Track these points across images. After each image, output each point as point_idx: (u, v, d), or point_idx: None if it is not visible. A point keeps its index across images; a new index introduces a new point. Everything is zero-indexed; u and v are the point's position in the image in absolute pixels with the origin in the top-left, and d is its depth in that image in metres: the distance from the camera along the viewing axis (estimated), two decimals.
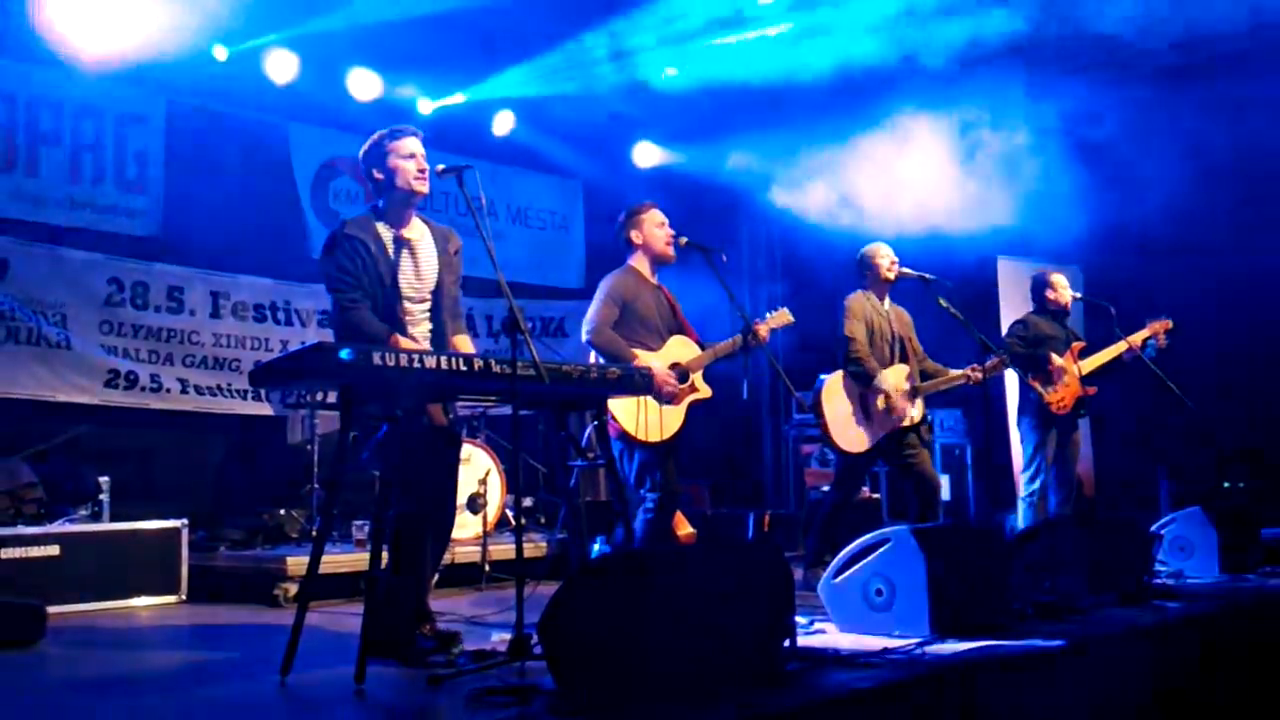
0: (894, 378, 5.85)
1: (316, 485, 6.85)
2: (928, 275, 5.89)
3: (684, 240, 5.33)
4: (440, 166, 4.06)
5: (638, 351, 5.12)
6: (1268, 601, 5.20)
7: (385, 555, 3.95)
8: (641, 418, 5.04)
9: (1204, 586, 5.51)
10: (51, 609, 4.91)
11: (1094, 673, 4.03)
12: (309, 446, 6.94)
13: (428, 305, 4.17)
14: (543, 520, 7.93)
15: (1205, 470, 8.08)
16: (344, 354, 3.36)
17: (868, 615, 4.27)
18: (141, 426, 7.19)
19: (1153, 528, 5.95)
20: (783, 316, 5.50)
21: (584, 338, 5.19)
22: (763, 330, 5.30)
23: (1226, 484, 8.13)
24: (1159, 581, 5.40)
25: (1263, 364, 8.06)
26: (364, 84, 7.94)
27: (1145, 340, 6.61)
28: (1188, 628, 4.60)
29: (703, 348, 5.35)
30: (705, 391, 5.34)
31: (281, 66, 7.47)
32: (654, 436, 5.08)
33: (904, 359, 5.98)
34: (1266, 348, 8.04)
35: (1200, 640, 4.54)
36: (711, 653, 3.24)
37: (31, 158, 6.94)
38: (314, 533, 6.58)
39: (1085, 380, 6.65)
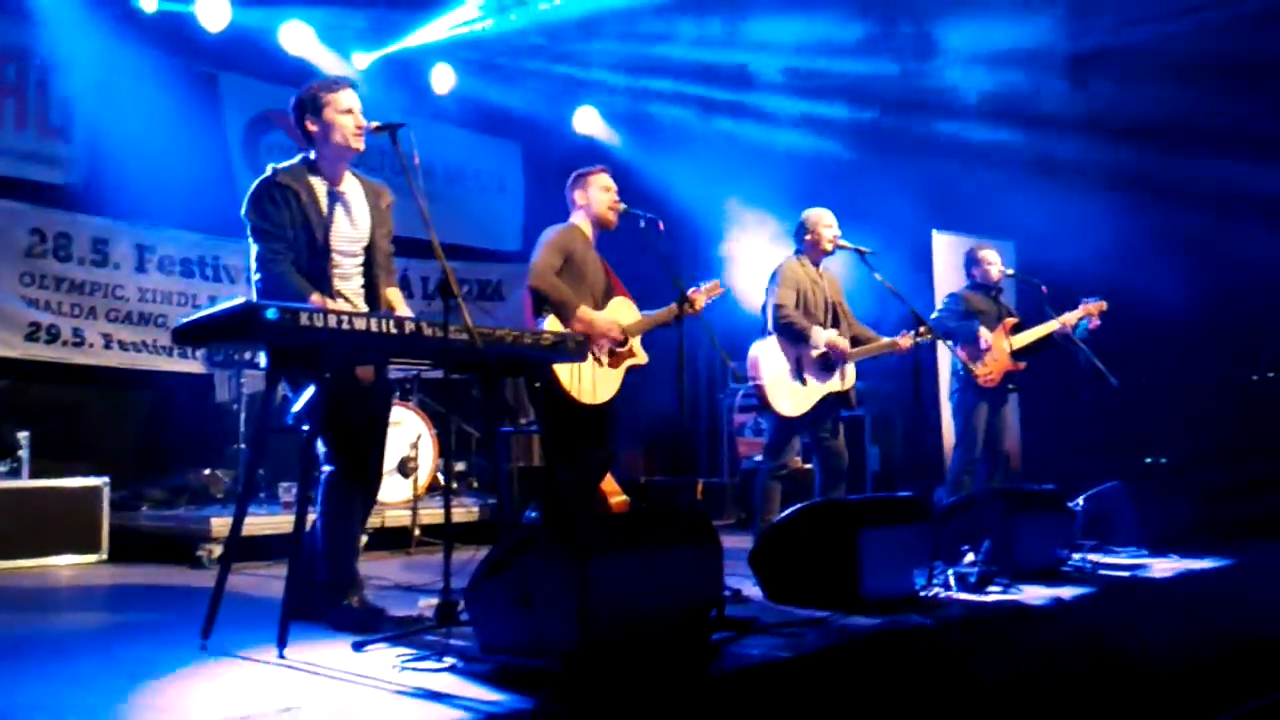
0: (830, 333, 5.86)
1: (243, 445, 6.74)
2: (864, 248, 5.90)
3: (624, 207, 5.30)
4: (374, 124, 3.96)
5: (584, 307, 5.08)
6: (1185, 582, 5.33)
7: (311, 517, 3.91)
8: (578, 380, 5.03)
9: (1122, 564, 5.63)
10: None
11: (1011, 643, 4.11)
12: (235, 406, 6.82)
13: (360, 260, 4.10)
14: (475, 484, 7.89)
15: (1130, 446, 8.22)
16: (270, 314, 3.29)
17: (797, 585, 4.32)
18: (64, 382, 7.00)
19: (1075, 502, 6.07)
20: (715, 288, 5.52)
21: (529, 282, 5.11)
22: (698, 299, 5.31)
23: (1149, 459, 8.28)
24: (1079, 558, 5.51)
25: (1190, 346, 8.21)
26: (297, 35, 7.74)
27: (1078, 320, 6.70)
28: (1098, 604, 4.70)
29: (641, 314, 5.36)
30: (642, 357, 5.37)
31: (213, 14, 7.25)
32: (588, 399, 5.07)
33: (835, 324, 6.00)
34: (1197, 330, 8.19)
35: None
36: (642, 623, 3.24)
37: None
38: (239, 493, 6.54)
39: (1015, 356, 6.74)
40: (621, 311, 5.31)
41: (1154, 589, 5.19)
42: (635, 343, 5.31)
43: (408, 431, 6.69)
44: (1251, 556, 5.88)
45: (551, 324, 4.99)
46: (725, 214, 9.04)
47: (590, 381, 5.09)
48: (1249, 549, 6.04)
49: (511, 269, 9.17)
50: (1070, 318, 6.74)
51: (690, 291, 5.29)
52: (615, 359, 5.20)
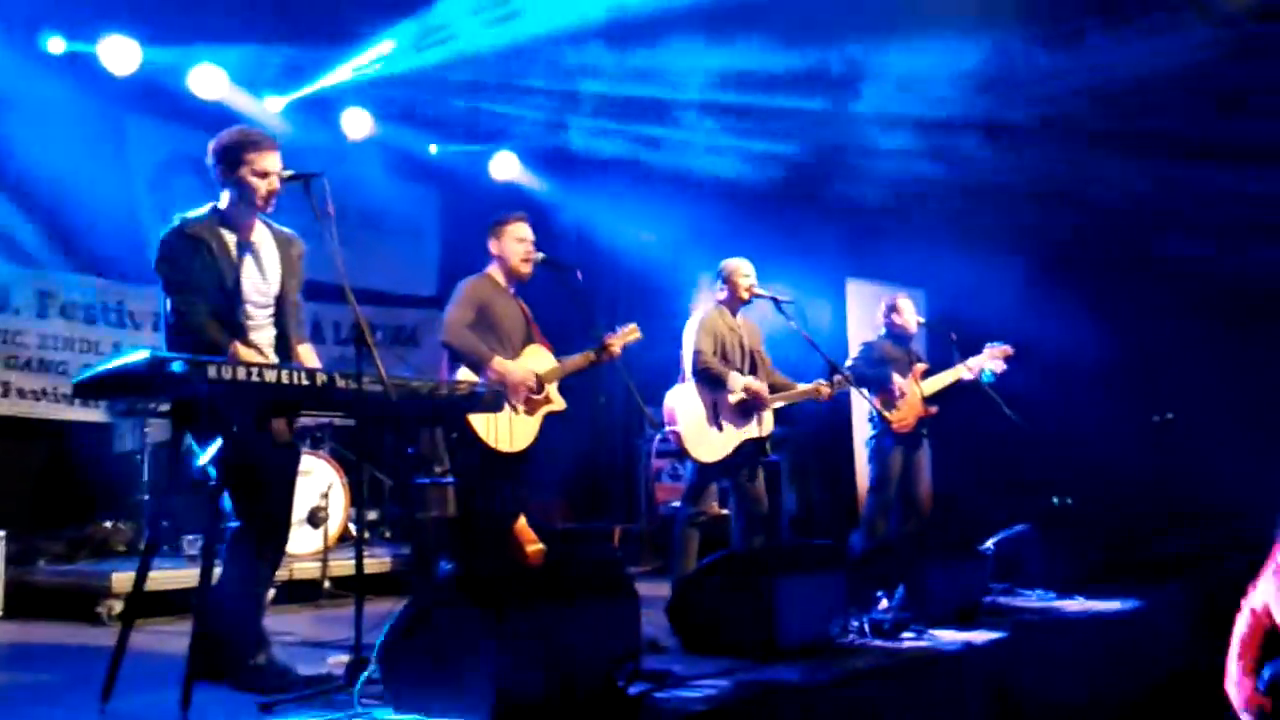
0: (742, 380, 5.89)
1: (146, 496, 6.55)
2: (781, 296, 5.98)
3: (540, 256, 5.32)
4: (287, 172, 3.91)
5: (498, 358, 5.08)
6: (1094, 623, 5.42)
7: (217, 573, 3.80)
8: (494, 428, 5.00)
9: (1031, 606, 5.71)
10: None
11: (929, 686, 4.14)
12: (138, 456, 6.62)
13: (271, 311, 4.03)
14: (388, 535, 7.76)
15: (1038, 488, 8.38)
16: (176, 366, 3.21)
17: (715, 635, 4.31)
18: None
19: (985, 544, 6.16)
20: (632, 332, 5.54)
21: (441, 338, 5.13)
22: (615, 345, 5.34)
23: (1056, 499, 8.45)
24: (990, 600, 5.59)
25: (1094, 391, 8.45)
26: (209, 78, 7.61)
27: (984, 365, 6.86)
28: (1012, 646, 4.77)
29: (558, 360, 5.35)
30: (559, 404, 5.36)
31: (121, 57, 7.11)
32: (505, 447, 5.04)
33: (753, 372, 6.05)
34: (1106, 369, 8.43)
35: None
36: (559, 679, 3.20)
37: None
38: (142, 547, 6.34)
39: (927, 401, 6.86)
40: (537, 359, 5.30)
41: (1063, 629, 5.29)
42: (552, 389, 5.30)
43: (318, 481, 6.55)
44: (1156, 597, 6.02)
45: (465, 374, 4.96)
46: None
47: (507, 429, 5.06)
48: (1153, 590, 6.18)
49: (426, 314, 9.07)
50: (975, 363, 6.90)
51: (606, 337, 5.31)
52: (532, 406, 5.18)
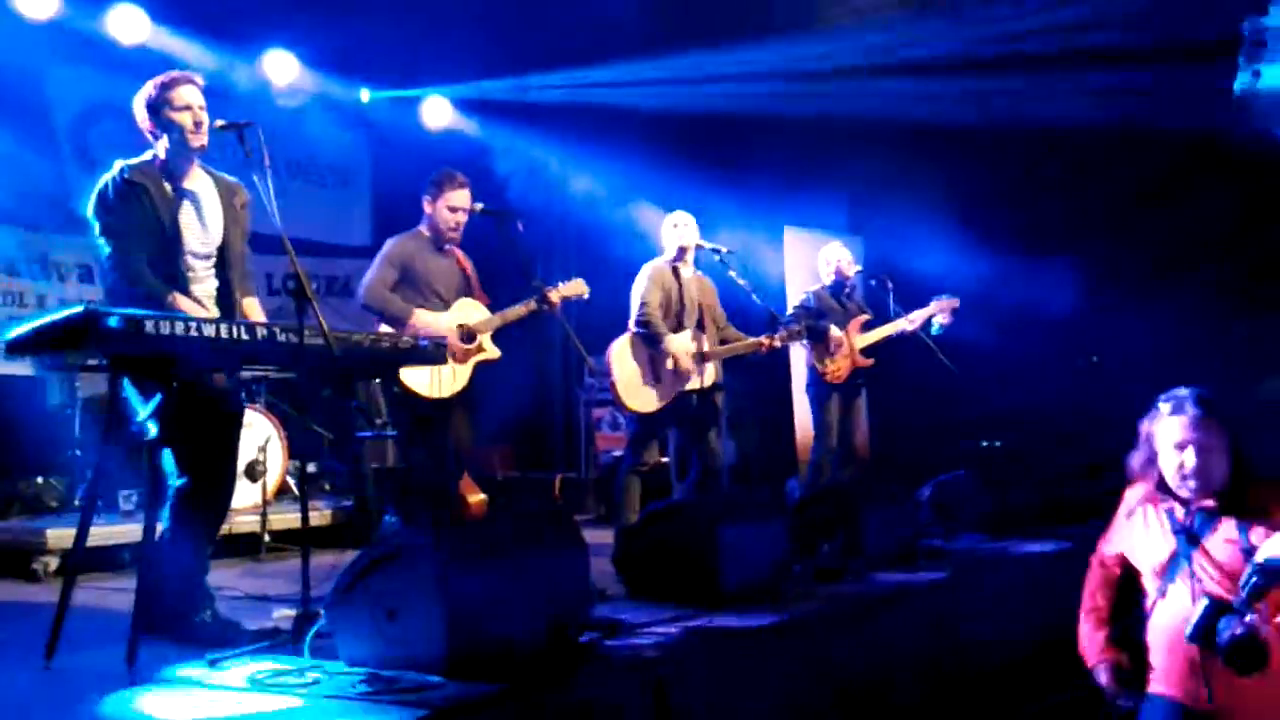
0: (680, 342, 5.94)
1: (78, 451, 6.43)
2: (721, 247, 6.02)
3: (479, 206, 5.33)
4: (219, 122, 3.85)
5: (418, 311, 5.17)
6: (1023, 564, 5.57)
7: (159, 528, 3.75)
8: (420, 376, 5.07)
9: (963, 550, 5.84)
10: None
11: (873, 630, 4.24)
12: (69, 410, 6.50)
13: (213, 261, 3.98)
14: (327, 487, 7.70)
15: (971, 433, 8.52)
16: (112, 321, 3.14)
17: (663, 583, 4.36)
18: None
19: (921, 491, 6.28)
20: (577, 286, 5.54)
21: (360, 299, 5.24)
22: (554, 296, 5.35)
23: (985, 443, 8.60)
24: (925, 543, 5.71)
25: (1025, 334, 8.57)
26: (129, 23, 7.37)
27: (928, 318, 6.91)
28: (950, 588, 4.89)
29: (493, 312, 5.38)
30: (493, 353, 5.41)
31: (38, 1, 6.85)
32: (431, 393, 5.10)
33: (701, 326, 6.08)
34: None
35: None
36: (510, 629, 3.22)
37: None
38: (77, 502, 6.24)
39: (863, 353, 6.94)
40: (468, 311, 5.37)
41: (995, 570, 5.43)
42: (485, 339, 5.36)
43: (256, 434, 6.48)
44: (1081, 538, 6.17)
45: (385, 329, 5.06)
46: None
47: (435, 377, 5.12)
48: (1079, 530, 6.34)
49: (359, 264, 8.87)
50: (919, 316, 6.94)
51: (548, 290, 5.32)
52: (464, 356, 5.21)
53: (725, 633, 3.76)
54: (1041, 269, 8.46)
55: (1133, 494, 3.22)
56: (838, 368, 6.83)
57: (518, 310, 5.39)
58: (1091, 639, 3.27)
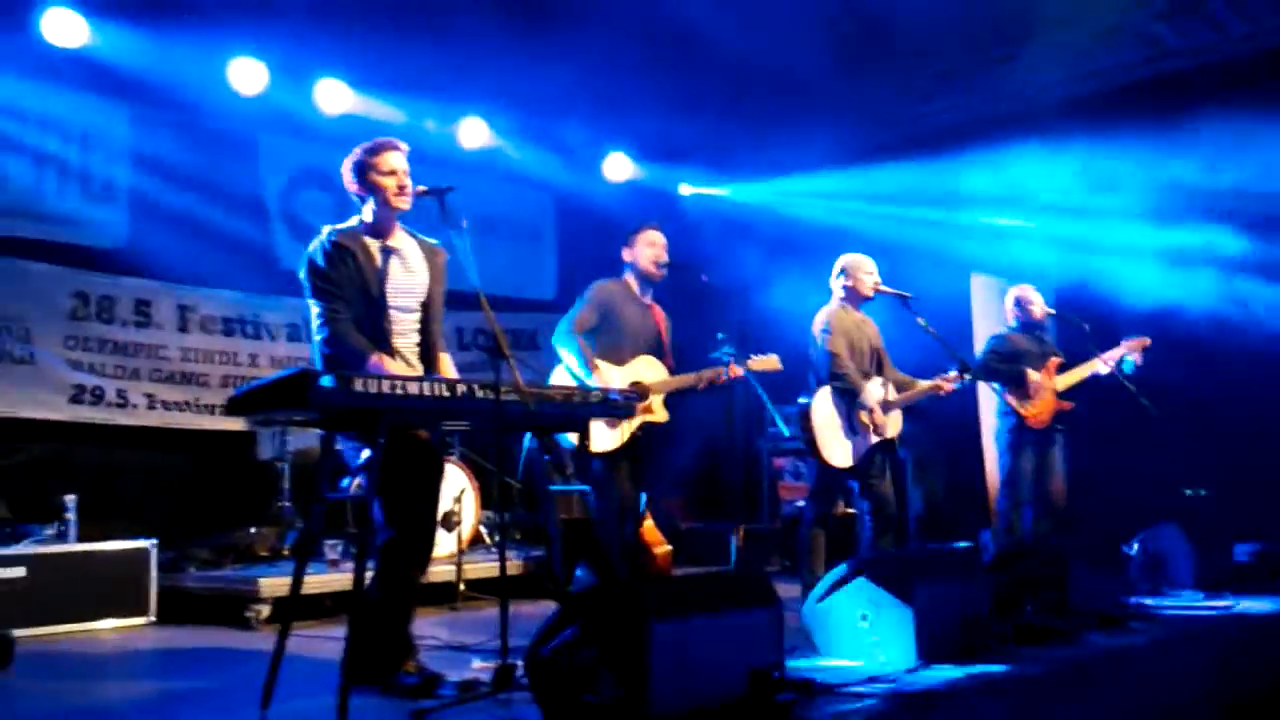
0: (875, 392, 5.85)
1: (287, 503, 6.76)
2: (906, 293, 5.91)
3: (666, 260, 5.42)
4: (421, 188, 4.02)
5: (599, 363, 5.26)
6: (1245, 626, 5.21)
7: (368, 578, 3.88)
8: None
9: (1180, 609, 5.49)
10: (16, 632, 4.81)
11: (1082, 697, 4.03)
12: (279, 463, 6.83)
13: (417, 317, 4.13)
14: (518, 537, 7.85)
15: (1173, 483, 8.06)
16: (325, 381, 3.30)
17: (853, 640, 4.24)
18: (107, 443, 7.04)
19: (1127, 545, 5.97)
20: (770, 362, 5.59)
21: (555, 337, 5.37)
22: (736, 370, 5.48)
23: (1189, 491, 8.11)
24: (1135, 602, 5.41)
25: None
26: (334, 95, 7.79)
27: (1121, 357, 6.64)
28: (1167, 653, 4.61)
29: (673, 374, 5.49)
30: (660, 416, 5.48)
31: (249, 77, 7.32)
32: (594, 447, 5.21)
33: (879, 370, 5.99)
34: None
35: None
36: (704, 686, 3.20)
37: None
38: (286, 552, 6.54)
39: (1062, 396, 6.68)
40: (645, 369, 5.44)
41: (1214, 630, 5.09)
42: (656, 400, 5.42)
43: (451, 485, 6.67)
44: None
45: (559, 375, 5.29)
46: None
47: (602, 428, 5.23)
48: None
49: (546, 318, 9.13)
50: (1111, 355, 6.68)
51: (734, 365, 5.42)
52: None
53: (927, 696, 3.62)
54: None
55: None
56: (1038, 411, 6.61)
57: (690, 378, 5.50)
58: None
